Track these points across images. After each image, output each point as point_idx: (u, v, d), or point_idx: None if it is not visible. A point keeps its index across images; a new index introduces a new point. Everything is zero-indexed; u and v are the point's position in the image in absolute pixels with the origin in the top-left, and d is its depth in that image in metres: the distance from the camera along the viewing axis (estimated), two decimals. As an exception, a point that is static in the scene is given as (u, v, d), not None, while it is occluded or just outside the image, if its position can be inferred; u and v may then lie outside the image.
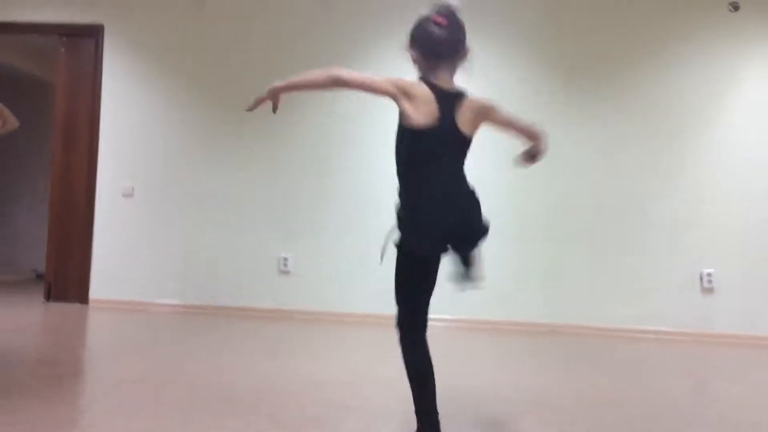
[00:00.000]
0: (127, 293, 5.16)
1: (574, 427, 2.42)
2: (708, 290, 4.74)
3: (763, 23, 4.86)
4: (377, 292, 4.86)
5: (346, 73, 1.91)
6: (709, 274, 4.73)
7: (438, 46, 1.97)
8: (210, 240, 5.16)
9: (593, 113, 4.94)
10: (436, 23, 1.95)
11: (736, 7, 4.82)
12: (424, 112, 1.90)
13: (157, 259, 5.19)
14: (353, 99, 5.05)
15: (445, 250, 1.96)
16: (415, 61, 2.02)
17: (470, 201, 2.00)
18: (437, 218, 1.93)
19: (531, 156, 2.27)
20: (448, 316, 4.61)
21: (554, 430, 2.37)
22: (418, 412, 1.97)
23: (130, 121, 5.29)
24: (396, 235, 1.97)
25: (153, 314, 4.85)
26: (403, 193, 2.00)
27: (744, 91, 4.86)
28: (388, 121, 4.95)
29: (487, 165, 4.23)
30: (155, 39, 5.32)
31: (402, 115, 1.94)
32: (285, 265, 5.06)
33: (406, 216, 1.97)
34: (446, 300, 4.41)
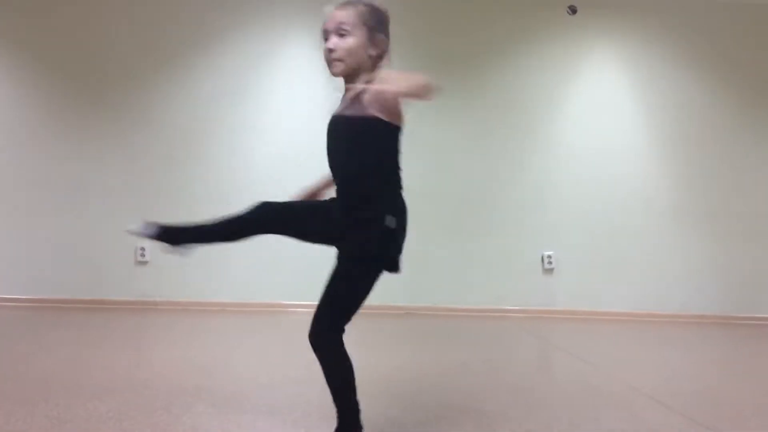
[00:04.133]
0: (-32, 288, 4.83)
1: (421, 396, 2.60)
2: (548, 271, 5.15)
3: (599, 24, 5.33)
4: (238, 281, 4.88)
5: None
6: (549, 256, 5.14)
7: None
8: (61, 229, 4.91)
9: (450, 106, 5.18)
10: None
11: (574, 11, 5.23)
12: (399, 110, 1.76)
13: (1, 250, 4.88)
14: (215, 85, 5.01)
15: None
16: (384, 52, 1.83)
17: None
18: (406, 226, 1.91)
19: None
20: (310, 302, 4.68)
21: (404, 400, 2.51)
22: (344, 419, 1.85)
23: (-32, 103, 4.92)
24: (367, 244, 1.82)
25: (-3, 309, 4.56)
26: (389, 201, 1.87)
27: (583, 87, 5.31)
28: (245, 111, 4.99)
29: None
30: (-4, 15, 4.98)
31: (391, 113, 1.75)
32: (143, 255, 4.93)
33: (399, 225, 1.85)
34: (305, 285, 4.51)
